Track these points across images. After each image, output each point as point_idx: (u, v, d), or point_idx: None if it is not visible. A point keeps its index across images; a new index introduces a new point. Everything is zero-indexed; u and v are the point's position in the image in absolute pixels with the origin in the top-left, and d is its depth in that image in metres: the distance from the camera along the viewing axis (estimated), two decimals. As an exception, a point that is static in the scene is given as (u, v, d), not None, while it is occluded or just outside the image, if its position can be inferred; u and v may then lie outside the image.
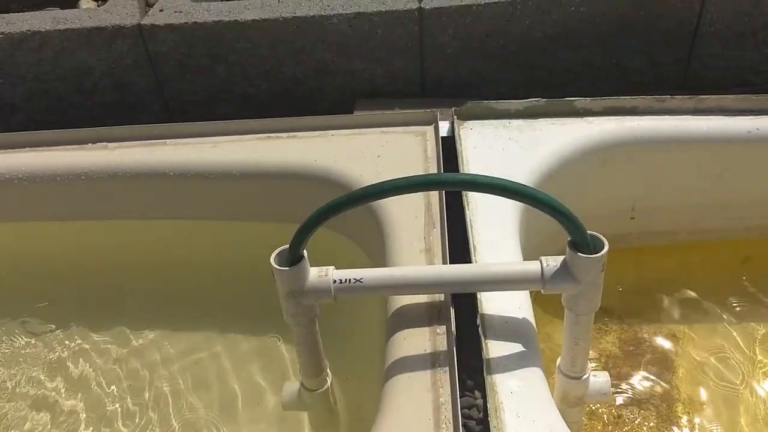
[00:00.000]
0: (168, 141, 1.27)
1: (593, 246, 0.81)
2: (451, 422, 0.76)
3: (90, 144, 1.29)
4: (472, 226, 1.05)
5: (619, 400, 1.15)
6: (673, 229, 1.34)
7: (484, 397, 0.81)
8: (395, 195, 0.80)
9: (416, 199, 1.10)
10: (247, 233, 1.27)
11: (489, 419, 0.76)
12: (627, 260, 1.33)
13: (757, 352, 1.22)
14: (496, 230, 1.05)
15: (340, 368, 1.08)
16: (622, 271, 1.32)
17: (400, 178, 0.79)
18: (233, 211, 1.28)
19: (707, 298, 1.29)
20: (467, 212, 1.07)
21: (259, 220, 1.26)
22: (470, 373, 0.92)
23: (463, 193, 1.10)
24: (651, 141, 1.20)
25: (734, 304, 1.28)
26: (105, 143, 1.29)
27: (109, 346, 1.34)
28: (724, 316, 1.27)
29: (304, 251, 0.84)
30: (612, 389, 0.98)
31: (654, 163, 1.23)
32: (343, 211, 0.80)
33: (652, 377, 1.18)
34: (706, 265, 1.34)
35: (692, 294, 1.31)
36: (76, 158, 1.27)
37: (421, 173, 1.11)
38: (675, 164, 1.24)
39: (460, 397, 0.97)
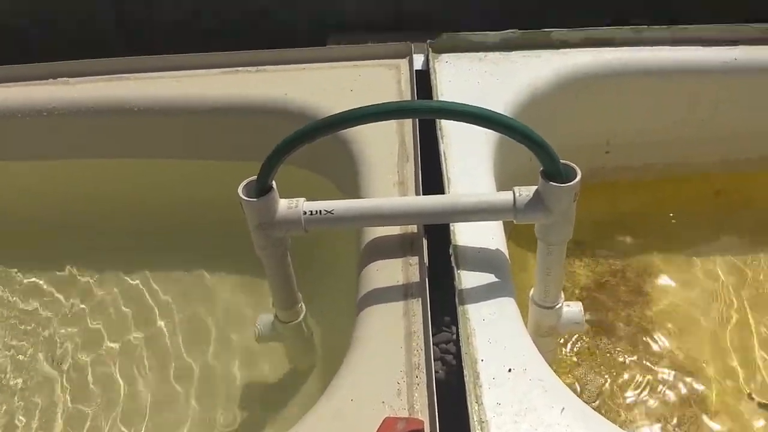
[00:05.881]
0: (130, 76, 1.23)
1: (566, 175, 0.79)
2: (423, 350, 0.75)
3: (50, 79, 1.24)
4: (446, 159, 1.03)
5: (595, 331, 1.16)
6: (647, 164, 1.34)
7: (457, 326, 0.80)
8: (366, 122, 0.78)
9: (390, 135, 1.07)
10: (214, 172, 1.23)
11: (460, 346, 0.76)
12: (601, 194, 1.33)
13: (730, 281, 1.23)
14: (470, 163, 1.03)
15: (314, 300, 1.07)
16: (596, 205, 1.32)
17: (371, 105, 0.77)
18: (199, 149, 1.24)
19: (681, 230, 1.30)
20: (441, 145, 1.05)
21: (225, 159, 1.22)
22: (447, 309, 0.91)
23: (438, 125, 1.08)
24: (626, 72, 1.18)
25: (707, 236, 1.29)
26: (66, 78, 1.24)
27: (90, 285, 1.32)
28: (698, 248, 1.28)
29: (273, 182, 0.82)
30: (585, 320, 0.99)
31: (629, 96, 1.22)
32: (312, 139, 0.78)
33: (626, 309, 1.19)
34: (680, 199, 1.34)
35: (665, 227, 1.31)
36: (36, 93, 1.22)
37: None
38: (650, 96, 1.22)
39: (436, 333, 0.98)
